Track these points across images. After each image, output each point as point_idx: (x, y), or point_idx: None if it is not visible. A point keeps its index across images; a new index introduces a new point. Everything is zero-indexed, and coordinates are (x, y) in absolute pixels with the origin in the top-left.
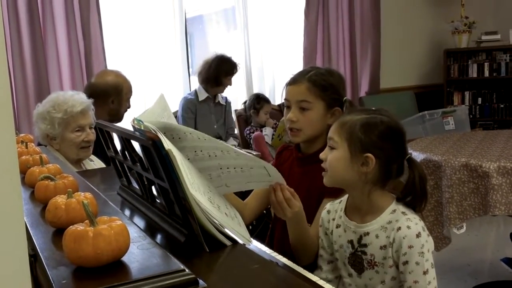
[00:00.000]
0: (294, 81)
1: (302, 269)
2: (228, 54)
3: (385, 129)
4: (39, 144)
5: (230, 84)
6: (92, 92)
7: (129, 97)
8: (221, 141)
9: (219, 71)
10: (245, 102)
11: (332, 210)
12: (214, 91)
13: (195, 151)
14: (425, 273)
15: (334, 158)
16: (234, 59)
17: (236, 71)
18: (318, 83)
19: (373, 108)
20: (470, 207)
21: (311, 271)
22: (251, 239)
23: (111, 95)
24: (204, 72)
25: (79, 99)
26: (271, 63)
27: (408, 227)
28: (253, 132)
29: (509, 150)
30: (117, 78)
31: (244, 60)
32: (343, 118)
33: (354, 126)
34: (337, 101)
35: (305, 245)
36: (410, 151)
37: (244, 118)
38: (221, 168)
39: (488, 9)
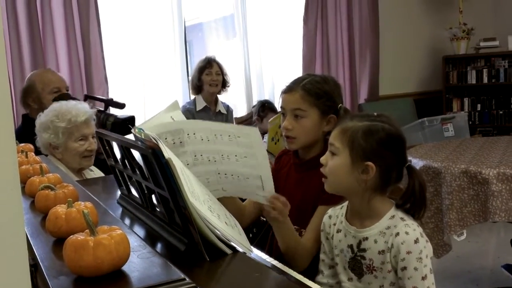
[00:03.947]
0: (289, 90)
1: (302, 276)
2: (225, 61)
3: (386, 137)
4: (39, 153)
5: (215, 81)
6: (19, 98)
7: (53, 88)
8: (225, 139)
9: (195, 71)
10: (254, 106)
11: (334, 215)
12: (207, 96)
13: (195, 155)
14: (423, 278)
15: (335, 164)
16: (230, 66)
17: (210, 64)
18: (313, 91)
19: (375, 114)
20: (470, 214)
21: (312, 276)
22: (252, 247)
23: (27, 95)
24: (191, 80)
25: (82, 109)
26: (270, 70)
27: (407, 232)
28: None
29: (509, 157)
30: (30, 77)
31: (244, 68)
32: (345, 124)
33: (356, 133)
34: (332, 108)
35: (293, 249)
36: (409, 158)
37: (247, 124)
38: (219, 173)
39: (486, 16)
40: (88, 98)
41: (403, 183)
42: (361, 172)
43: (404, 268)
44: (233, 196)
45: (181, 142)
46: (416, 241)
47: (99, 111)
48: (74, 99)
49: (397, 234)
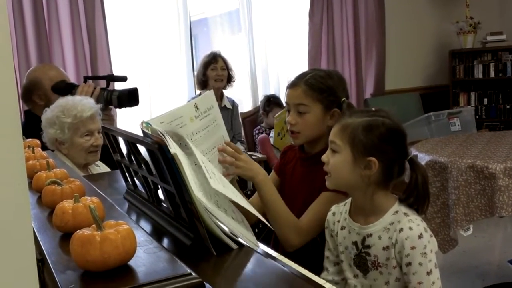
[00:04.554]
0: (292, 85)
1: (308, 271)
2: (230, 56)
3: (387, 131)
4: (45, 149)
5: (220, 76)
6: (21, 94)
7: None
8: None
9: (201, 66)
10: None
11: (337, 212)
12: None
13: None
14: (428, 273)
15: (337, 161)
16: (236, 60)
17: (215, 60)
18: (316, 86)
19: (373, 109)
20: (476, 209)
21: (318, 273)
22: (258, 242)
23: (32, 91)
24: (196, 76)
25: (88, 104)
26: (275, 65)
27: (410, 228)
28: (261, 133)
29: None
30: (33, 73)
31: (249, 63)
32: (344, 121)
33: (356, 130)
34: (335, 103)
35: (278, 215)
36: (416, 152)
37: (253, 119)
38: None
39: (493, 10)
40: (88, 78)
41: (406, 177)
42: (364, 167)
43: (409, 264)
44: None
45: (185, 145)
46: (420, 236)
47: (102, 89)
48: (71, 85)
49: (401, 229)
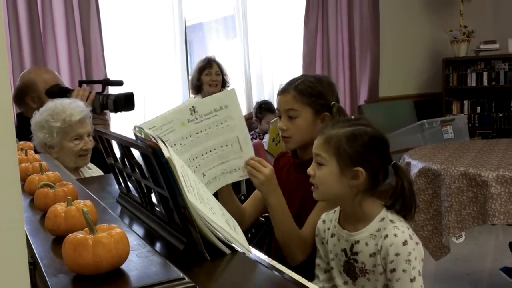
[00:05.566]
0: (282, 91)
1: (300, 277)
2: (225, 61)
3: (370, 139)
4: (37, 152)
5: (214, 81)
6: (14, 96)
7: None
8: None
9: (195, 71)
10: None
11: (327, 219)
12: (206, 96)
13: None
14: (412, 280)
15: (324, 174)
16: (230, 66)
17: (210, 65)
18: (305, 91)
19: (353, 118)
20: (469, 216)
21: (309, 280)
22: (251, 248)
23: (26, 93)
24: (190, 80)
25: (77, 108)
26: (270, 71)
27: (395, 235)
28: (255, 138)
29: (508, 159)
30: (29, 76)
31: (244, 68)
32: (327, 133)
33: (340, 140)
34: (325, 107)
35: (289, 234)
36: (409, 159)
37: (247, 125)
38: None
39: (486, 18)
40: (83, 83)
41: (391, 181)
42: (351, 178)
43: (393, 270)
44: (233, 196)
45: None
46: (404, 243)
47: (97, 93)
48: (66, 89)
49: (386, 236)
